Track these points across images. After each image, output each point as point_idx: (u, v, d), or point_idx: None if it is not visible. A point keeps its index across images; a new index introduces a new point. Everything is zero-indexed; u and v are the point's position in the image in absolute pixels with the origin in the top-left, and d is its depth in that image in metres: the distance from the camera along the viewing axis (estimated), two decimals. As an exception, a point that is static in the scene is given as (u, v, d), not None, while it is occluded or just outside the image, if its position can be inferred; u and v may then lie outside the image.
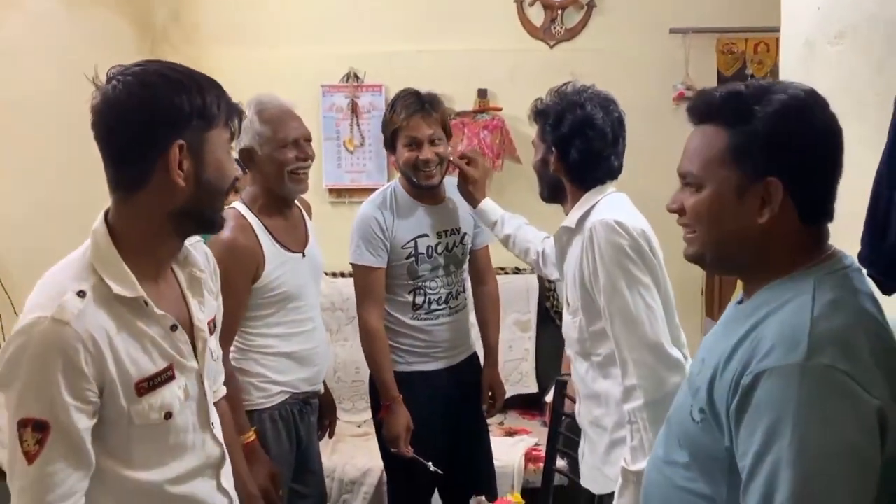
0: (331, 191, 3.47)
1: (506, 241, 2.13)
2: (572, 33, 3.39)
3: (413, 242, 2.14)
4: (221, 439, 1.32)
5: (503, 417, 3.16)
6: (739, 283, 1.20)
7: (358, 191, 3.42)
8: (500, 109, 3.36)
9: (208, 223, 1.23)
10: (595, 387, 1.74)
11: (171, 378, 1.20)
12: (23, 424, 1.07)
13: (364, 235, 2.11)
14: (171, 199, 1.14)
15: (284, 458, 1.99)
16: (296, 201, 2.06)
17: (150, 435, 1.18)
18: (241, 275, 1.84)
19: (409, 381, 2.16)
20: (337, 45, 3.39)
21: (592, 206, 1.69)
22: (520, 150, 3.32)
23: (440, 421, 2.19)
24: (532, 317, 3.34)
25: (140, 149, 1.12)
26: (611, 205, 1.69)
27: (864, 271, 1.09)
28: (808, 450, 0.89)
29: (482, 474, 2.28)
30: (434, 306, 2.18)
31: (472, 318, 2.37)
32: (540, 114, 1.77)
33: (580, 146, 1.68)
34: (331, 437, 2.34)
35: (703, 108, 1.07)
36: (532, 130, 1.81)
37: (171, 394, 1.19)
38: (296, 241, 2.01)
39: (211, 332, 1.31)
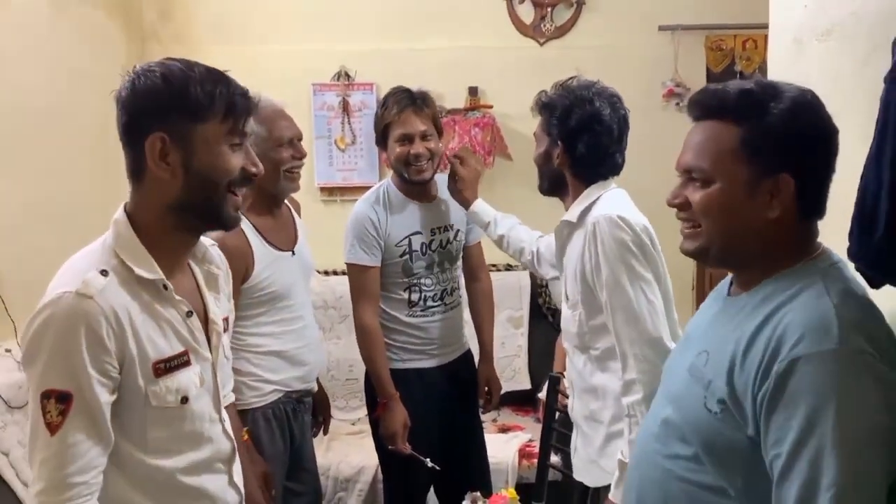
0: (322, 189, 3.47)
1: (499, 242, 2.13)
2: (562, 31, 3.40)
3: (407, 240, 2.15)
4: (232, 435, 1.34)
5: (497, 414, 3.18)
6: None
7: (349, 189, 3.42)
8: (490, 107, 3.36)
9: (213, 218, 1.23)
10: (592, 380, 1.75)
11: (188, 363, 1.22)
12: (46, 396, 1.09)
13: (358, 234, 2.12)
14: (166, 190, 1.17)
15: (278, 457, 1.99)
16: (285, 200, 2.07)
17: (165, 418, 1.20)
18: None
19: (405, 379, 2.17)
20: (328, 44, 3.38)
21: (594, 201, 1.71)
22: (511, 147, 3.32)
23: (435, 418, 2.20)
24: (525, 313, 3.35)
25: (126, 139, 1.18)
26: (613, 200, 1.70)
27: (852, 266, 1.11)
28: (850, 433, 0.91)
29: (477, 471, 2.30)
30: (430, 303, 2.19)
31: (466, 314, 2.38)
32: (545, 107, 1.77)
33: (588, 141, 1.69)
34: (325, 434, 2.34)
35: (712, 104, 1.08)
36: (524, 127, 1.82)
37: (188, 379, 1.22)
38: (285, 239, 2.01)
39: (225, 330, 1.34)
